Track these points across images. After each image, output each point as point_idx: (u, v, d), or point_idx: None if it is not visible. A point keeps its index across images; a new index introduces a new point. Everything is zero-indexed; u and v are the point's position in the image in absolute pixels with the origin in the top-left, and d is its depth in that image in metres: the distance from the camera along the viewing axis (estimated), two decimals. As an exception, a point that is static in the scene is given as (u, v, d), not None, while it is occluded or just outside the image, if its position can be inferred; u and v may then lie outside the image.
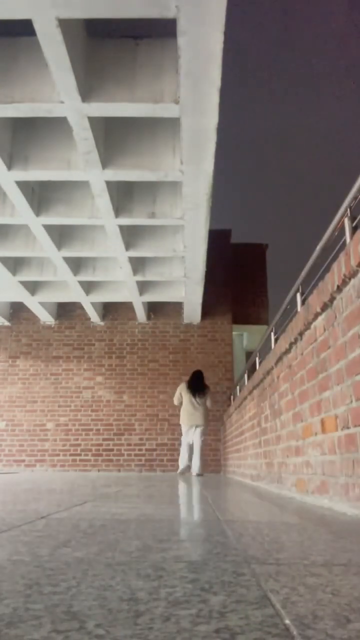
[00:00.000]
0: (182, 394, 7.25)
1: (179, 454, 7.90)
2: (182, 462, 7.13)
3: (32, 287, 9.48)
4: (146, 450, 9.95)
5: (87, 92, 4.76)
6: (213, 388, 8.65)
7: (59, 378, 10.40)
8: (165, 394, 10.10)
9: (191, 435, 7.16)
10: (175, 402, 7.38)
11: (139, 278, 8.75)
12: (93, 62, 4.80)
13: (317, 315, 2.51)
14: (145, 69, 4.84)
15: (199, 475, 6.92)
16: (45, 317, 10.56)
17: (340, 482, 2.12)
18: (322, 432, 2.41)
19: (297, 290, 3.18)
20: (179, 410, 7.47)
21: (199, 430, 7.11)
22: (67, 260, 8.18)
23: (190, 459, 7.13)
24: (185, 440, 7.25)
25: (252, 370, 5.42)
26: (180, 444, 7.72)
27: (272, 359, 3.80)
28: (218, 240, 9.96)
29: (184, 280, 8.88)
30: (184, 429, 7.27)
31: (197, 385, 7.29)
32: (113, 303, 10.47)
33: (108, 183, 6.18)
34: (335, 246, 2.55)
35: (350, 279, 2.02)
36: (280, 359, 3.52)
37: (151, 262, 8.68)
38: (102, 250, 7.91)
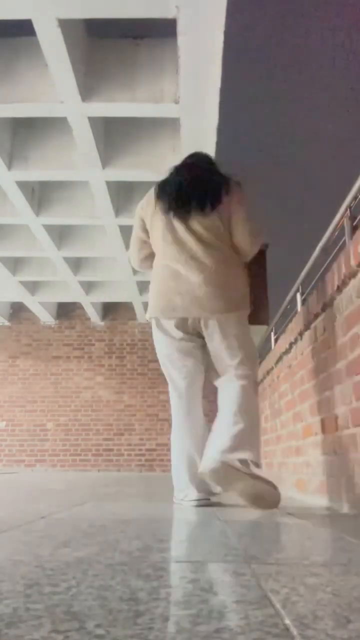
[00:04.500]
0: (145, 222, 2.42)
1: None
2: (180, 474, 2.23)
3: (32, 287, 9.47)
4: (146, 450, 9.95)
5: (87, 92, 4.76)
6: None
7: (59, 378, 10.39)
8: (165, 394, 10.06)
9: (186, 362, 2.25)
10: (134, 256, 2.62)
11: (139, 278, 8.75)
12: (93, 62, 4.80)
13: (317, 315, 2.51)
14: (145, 69, 4.84)
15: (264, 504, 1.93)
16: (45, 317, 10.56)
17: (341, 482, 2.12)
18: (322, 432, 2.41)
19: (297, 290, 3.18)
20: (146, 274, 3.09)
21: (219, 338, 2.17)
22: (67, 260, 8.18)
23: (200, 449, 2.14)
24: (176, 385, 2.28)
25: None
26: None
27: (272, 359, 3.80)
28: (218, 240, 9.94)
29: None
30: (160, 341, 2.32)
31: (191, 177, 2.33)
32: (113, 303, 10.47)
33: (108, 183, 6.18)
34: (335, 246, 2.55)
35: (350, 279, 2.02)
36: (280, 359, 3.52)
37: (151, 262, 8.67)
38: (102, 250, 7.91)
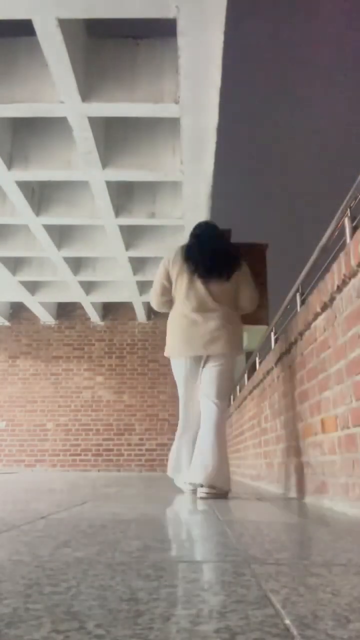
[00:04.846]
0: (170, 275, 3.06)
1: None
2: (174, 462, 3.04)
3: (32, 287, 9.48)
4: (146, 450, 9.95)
5: (87, 92, 4.76)
6: None
7: (59, 378, 10.40)
8: (165, 394, 10.09)
9: (194, 386, 3.03)
10: (155, 299, 3.17)
11: (139, 278, 8.75)
12: (93, 62, 4.81)
13: (317, 315, 2.51)
14: (145, 69, 4.85)
15: (211, 493, 2.70)
16: (45, 317, 10.56)
17: (340, 482, 2.12)
18: (322, 432, 2.41)
19: (297, 290, 3.18)
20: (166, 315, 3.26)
21: (214, 369, 2.98)
22: (67, 260, 8.18)
23: (190, 452, 2.94)
24: (187, 402, 3.06)
25: (252, 370, 5.42)
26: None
27: (272, 359, 3.80)
28: (218, 240, 9.94)
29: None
30: (178, 370, 3.08)
31: (213, 249, 3.06)
32: (113, 303, 10.47)
33: (108, 183, 6.18)
34: (335, 246, 2.55)
35: (350, 279, 2.02)
36: (280, 359, 3.52)
37: (151, 262, 8.68)
38: (102, 250, 7.91)
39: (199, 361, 3.02)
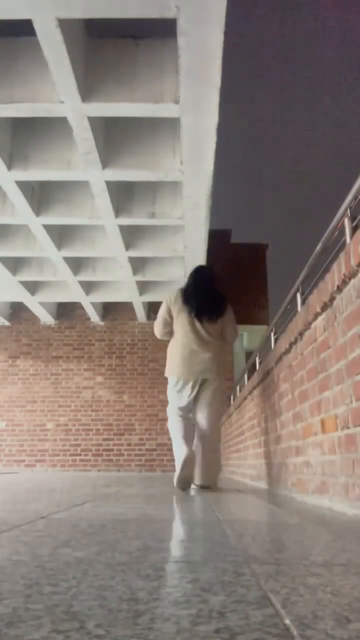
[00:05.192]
0: (171, 311, 3.75)
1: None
2: (180, 461, 3.38)
3: (32, 287, 9.48)
4: (146, 450, 9.95)
5: (87, 92, 4.76)
6: None
7: (59, 378, 10.40)
8: (165, 394, 10.08)
9: (188, 400, 3.66)
10: (159, 330, 3.85)
11: (139, 278, 8.75)
12: (93, 62, 4.81)
13: (317, 315, 2.51)
14: (145, 69, 4.84)
15: (204, 487, 3.56)
16: (45, 317, 10.56)
17: (340, 482, 2.12)
18: (322, 432, 2.41)
19: (297, 290, 3.18)
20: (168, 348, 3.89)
21: (207, 391, 3.65)
22: (67, 260, 8.18)
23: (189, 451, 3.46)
24: (174, 411, 3.70)
25: (252, 370, 5.42)
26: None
27: (272, 359, 3.80)
28: (218, 240, 9.96)
29: (184, 280, 8.87)
30: (174, 389, 3.71)
31: (205, 294, 3.75)
32: (113, 303, 10.47)
33: (108, 183, 6.18)
34: (335, 246, 2.55)
35: (350, 279, 2.02)
36: (280, 359, 3.52)
37: (151, 262, 8.68)
38: (102, 250, 7.91)
39: (194, 382, 3.69)
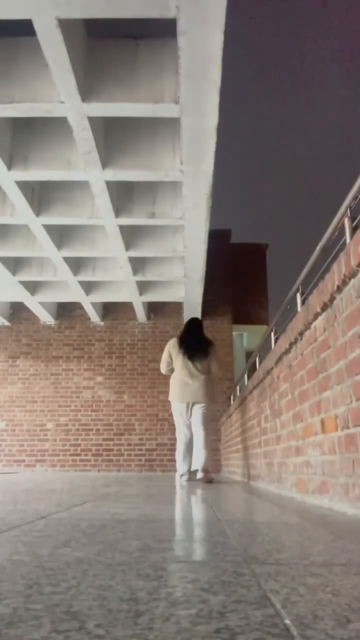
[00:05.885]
0: (171, 355, 5.10)
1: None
2: (180, 463, 5.02)
3: (32, 287, 9.48)
4: (146, 450, 9.95)
5: (87, 92, 4.76)
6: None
7: (59, 378, 10.40)
8: (165, 394, 10.08)
9: (186, 419, 5.01)
10: (163, 368, 5.20)
11: (139, 278, 8.75)
12: (93, 62, 4.81)
13: (317, 315, 2.51)
14: (145, 69, 4.84)
15: (207, 480, 4.72)
16: (45, 317, 10.56)
17: (340, 482, 2.12)
18: (322, 432, 2.41)
19: (297, 290, 3.18)
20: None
21: (200, 411, 4.93)
22: (67, 260, 8.18)
23: (189, 457, 5.02)
24: (180, 427, 5.05)
25: (252, 370, 5.42)
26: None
27: (272, 359, 3.80)
28: (218, 240, 9.96)
29: (184, 280, 8.88)
30: (175, 408, 5.07)
31: (194, 340, 5.12)
32: (113, 303, 10.47)
33: (108, 183, 6.18)
34: (335, 246, 2.55)
35: (350, 279, 2.02)
36: (280, 359, 3.52)
37: (151, 262, 8.68)
38: (102, 250, 7.91)
39: (188, 405, 4.99)
